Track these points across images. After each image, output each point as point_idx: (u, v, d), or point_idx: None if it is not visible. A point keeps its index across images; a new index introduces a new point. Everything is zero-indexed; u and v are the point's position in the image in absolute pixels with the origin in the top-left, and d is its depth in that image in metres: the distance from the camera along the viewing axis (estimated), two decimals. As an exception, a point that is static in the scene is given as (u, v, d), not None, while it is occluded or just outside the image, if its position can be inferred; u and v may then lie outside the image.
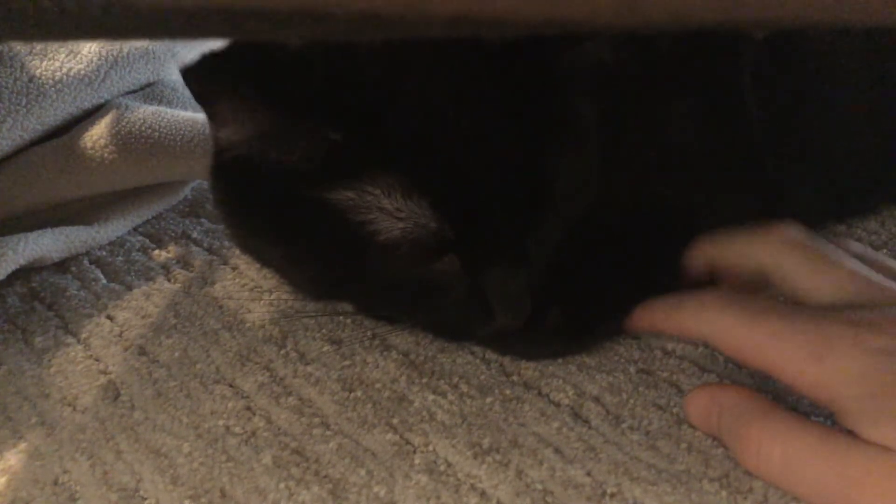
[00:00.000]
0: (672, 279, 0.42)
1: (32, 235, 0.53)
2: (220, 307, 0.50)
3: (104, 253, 0.58)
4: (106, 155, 0.57)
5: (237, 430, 0.40)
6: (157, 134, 0.57)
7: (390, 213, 0.37)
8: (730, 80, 0.42)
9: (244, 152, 0.38)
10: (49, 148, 0.58)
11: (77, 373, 0.46)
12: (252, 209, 0.42)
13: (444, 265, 0.38)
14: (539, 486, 0.35)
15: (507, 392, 0.40)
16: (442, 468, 0.36)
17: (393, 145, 0.35)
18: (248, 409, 0.41)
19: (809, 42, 0.44)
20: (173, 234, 0.59)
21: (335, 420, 0.40)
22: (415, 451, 0.38)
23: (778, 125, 0.44)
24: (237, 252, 0.54)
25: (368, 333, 0.45)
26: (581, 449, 0.36)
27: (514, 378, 0.41)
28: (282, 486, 0.36)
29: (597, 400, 0.39)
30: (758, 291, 0.39)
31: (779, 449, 0.32)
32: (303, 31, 0.21)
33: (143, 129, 0.57)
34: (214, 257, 0.56)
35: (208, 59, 0.37)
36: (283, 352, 0.45)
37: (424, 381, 0.42)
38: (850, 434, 0.31)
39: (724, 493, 0.33)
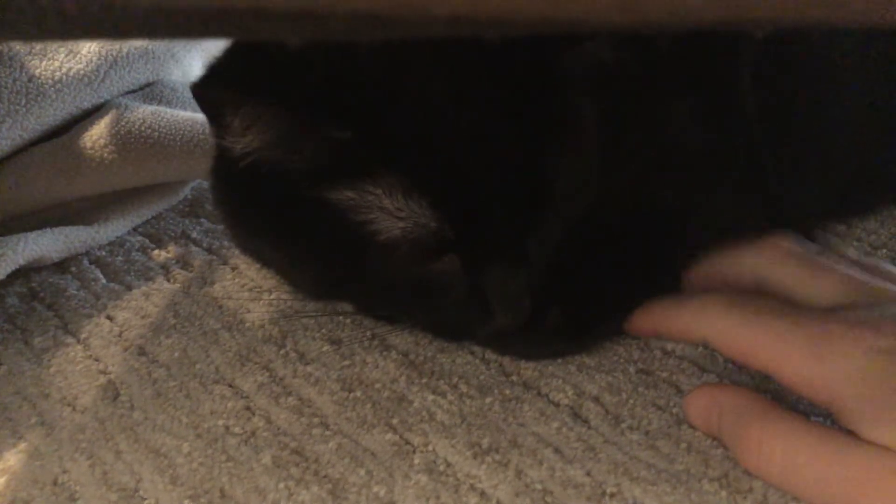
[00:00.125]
0: (672, 279, 0.42)
1: (32, 235, 0.53)
2: (220, 307, 0.50)
3: (104, 253, 0.58)
4: (105, 155, 0.57)
5: (237, 430, 0.40)
6: (156, 134, 0.57)
7: (391, 212, 0.37)
8: (729, 81, 0.42)
9: (254, 159, 0.38)
10: (49, 148, 0.58)
11: (76, 373, 0.46)
12: (252, 210, 0.42)
13: (443, 265, 0.38)
14: (538, 486, 0.35)
15: (507, 392, 0.40)
16: (441, 468, 0.36)
17: (394, 145, 0.35)
18: (248, 409, 0.41)
19: (809, 42, 0.44)
20: (173, 234, 0.59)
21: (335, 420, 0.40)
22: (414, 451, 0.37)
23: (777, 125, 0.44)
24: (237, 252, 0.54)
25: (368, 333, 0.45)
26: (580, 449, 0.36)
27: (514, 378, 0.41)
28: (281, 485, 0.36)
29: (596, 400, 0.39)
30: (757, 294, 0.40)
31: (779, 449, 0.32)
32: (302, 31, 0.21)
33: (143, 128, 0.57)
34: (214, 257, 0.56)
35: (214, 75, 0.38)
36: (282, 352, 0.45)
37: (424, 381, 0.42)
38: (851, 434, 0.31)
39: (723, 493, 0.33)
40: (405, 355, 0.44)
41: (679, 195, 0.41)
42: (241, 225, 0.45)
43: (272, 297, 0.50)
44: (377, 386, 0.42)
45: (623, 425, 0.38)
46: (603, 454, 0.36)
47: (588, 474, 0.35)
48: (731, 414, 0.34)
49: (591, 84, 0.37)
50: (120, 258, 0.57)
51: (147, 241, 0.59)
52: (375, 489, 0.36)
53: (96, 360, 0.47)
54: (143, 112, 0.58)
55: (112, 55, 0.61)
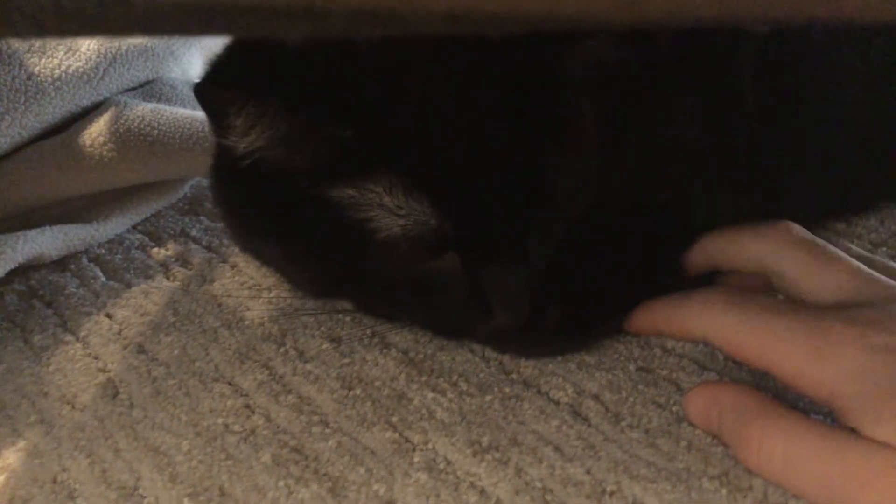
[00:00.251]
0: (672, 278, 0.42)
1: (31, 233, 0.53)
2: (219, 305, 0.50)
3: (103, 251, 0.58)
4: (105, 153, 0.57)
5: (236, 428, 0.40)
6: (156, 132, 0.57)
7: (391, 210, 0.37)
8: (729, 80, 0.42)
9: (255, 158, 0.38)
10: (48, 146, 0.58)
11: (76, 371, 0.46)
12: (253, 208, 0.42)
13: (443, 263, 0.38)
14: (538, 484, 0.35)
15: (507, 390, 0.40)
16: (441, 466, 0.36)
17: (394, 143, 0.36)
18: (248, 407, 0.41)
19: (810, 40, 0.44)
20: (172, 232, 0.59)
21: (334, 418, 0.40)
22: (414, 449, 0.37)
23: (778, 124, 0.44)
24: (236, 250, 0.54)
25: (368, 331, 0.45)
26: (580, 447, 0.36)
27: (514, 376, 0.41)
28: (281, 484, 0.36)
29: (596, 398, 0.39)
30: (758, 291, 0.39)
31: (780, 447, 0.32)
32: (301, 28, 0.21)
33: (142, 126, 0.57)
34: (213, 255, 0.56)
35: (216, 75, 0.38)
36: (282, 350, 0.45)
37: (424, 379, 0.42)
38: (852, 432, 0.30)
39: (723, 491, 0.33)
40: (405, 353, 0.44)
41: (679, 194, 0.41)
42: (241, 223, 0.45)
43: (272, 295, 0.50)
44: (377, 384, 0.42)
45: (623, 423, 0.37)
46: (603, 452, 0.36)
47: (588, 472, 0.35)
48: (732, 412, 0.34)
49: (591, 83, 0.36)
50: (119, 256, 0.57)
51: (146, 238, 0.59)
52: (375, 487, 0.36)
53: (95, 358, 0.47)
54: (143, 110, 0.58)
55: (111, 53, 0.61)
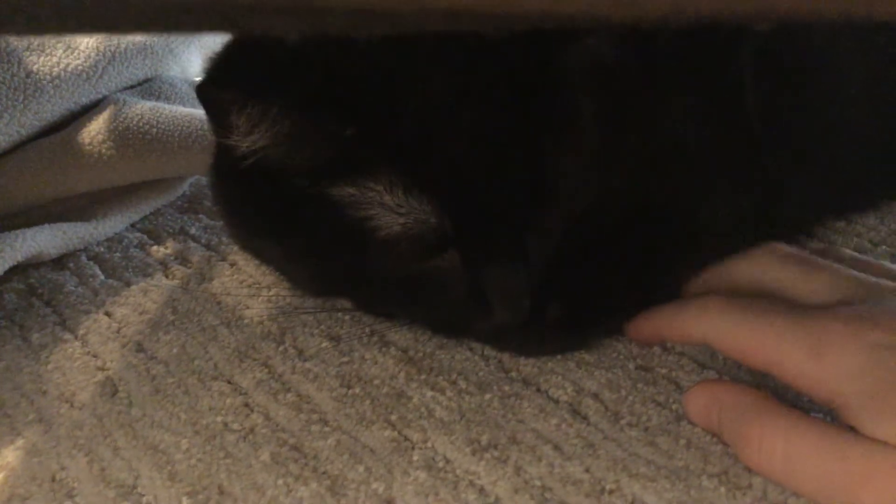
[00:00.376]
0: (672, 280, 0.42)
1: (30, 232, 0.53)
2: (219, 303, 0.50)
3: (102, 249, 0.58)
4: (104, 151, 0.57)
5: (235, 426, 0.40)
6: (154, 130, 0.57)
7: (391, 208, 0.37)
8: (730, 78, 0.42)
9: (260, 157, 0.38)
10: (46, 144, 0.58)
11: (75, 369, 0.46)
12: (252, 206, 0.42)
13: (443, 261, 0.38)
14: (538, 483, 0.35)
15: (506, 388, 0.40)
16: (440, 465, 0.36)
17: (395, 142, 0.35)
18: (247, 405, 0.41)
19: (810, 38, 0.44)
20: (171, 231, 0.59)
21: (333, 416, 0.40)
22: (413, 448, 0.37)
23: (779, 122, 0.44)
24: (235, 248, 0.54)
25: (367, 330, 0.45)
26: (580, 445, 0.36)
27: (513, 374, 0.41)
28: (280, 482, 0.36)
29: (595, 396, 0.39)
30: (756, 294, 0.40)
31: (780, 446, 0.32)
32: (299, 26, 0.21)
33: (141, 124, 0.57)
34: (212, 254, 0.56)
35: (218, 75, 0.38)
36: (281, 348, 0.45)
37: (423, 377, 0.42)
38: (852, 430, 0.30)
39: (722, 490, 0.33)
40: (404, 352, 0.43)
41: (679, 193, 0.41)
42: (241, 221, 0.45)
43: (271, 293, 0.50)
44: (376, 382, 0.42)
45: (622, 422, 0.37)
46: (602, 451, 0.36)
47: (587, 471, 0.35)
48: (732, 411, 0.34)
49: (591, 82, 0.36)
50: (118, 254, 0.57)
51: (145, 237, 0.59)
52: (374, 486, 0.36)
53: (94, 356, 0.47)
54: (142, 108, 0.58)
55: (110, 51, 0.60)
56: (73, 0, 0.17)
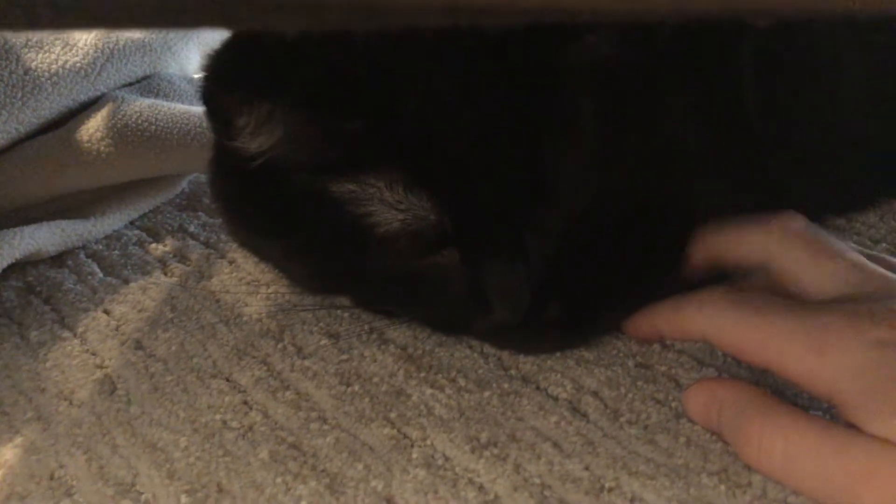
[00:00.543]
0: (671, 274, 0.42)
1: (28, 229, 0.53)
2: (217, 301, 0.50)
3: (100, 247, 0.58)
4: (102, 148, 0.56)
5: (234, 424, 0.40)
6: (153, 127, 0.57)
7: (391, 205, 0.37)
8: (730, 76, 0.42)
9: (265, 157, 0.38)
10: (45, 141, 0.58)
11: (73, 367, 0.46)
12: (252, 204, 0.42)
13: (442, 258, 0.38)
14: (537, 481, 0.35)
15: (506, 386, 0.40)
16: (440, 462, 0.36)
17: (395, 139, 0.35)
18: (245, 403, 0.41)
19: (810, 35, 0.44)
20: (170, 228, 0.59)
21: (332, 414, 0.40)
22: (412, 446, 0.37)
23: (779, 120, 0.44)
24: (234, 246, 0.54)
25: (366, 327, 0.45)
26: (579, 443, 0.36)
27: (513, 372, 0.41)
28: (279, 480, 0.36)
29: (595, 394, 0.39)
30: (757, 288, 0.39)
31: (780, 444, 0.32)
32: (297, 22, 0.21)
33: (140, 122, 0.57)
34: (211, 251, 0.55)
35: (220, 76, 0.37)
36: (280, 346, 0.45)
37: (422, 375, 0.41)
38: (852, 428, 0.30)
39: (722, 488, 0.33)
40: (403, 349, 0.43)
41: (679, 190, 0.41)
42: (240, 219, 0.45)
43: (270, 290, 0.50)
44: (375, 380, 0.42)
45: (622, 419, 0.37)
46: (601, 448, 0.36)
47: (587, 468, 0.35)
48: (731, 409, 0.34)
49: (592, 78, 0.36)
50: (117, 252, 0.57)
51: (144, 234, 0.59)
52: (373, 483, 0.36)
53: (93, 354, 0.47)
54: (140, 105, 0.58)
55: (109, 48, 0.60)
56: (70, -5, 0.17)
